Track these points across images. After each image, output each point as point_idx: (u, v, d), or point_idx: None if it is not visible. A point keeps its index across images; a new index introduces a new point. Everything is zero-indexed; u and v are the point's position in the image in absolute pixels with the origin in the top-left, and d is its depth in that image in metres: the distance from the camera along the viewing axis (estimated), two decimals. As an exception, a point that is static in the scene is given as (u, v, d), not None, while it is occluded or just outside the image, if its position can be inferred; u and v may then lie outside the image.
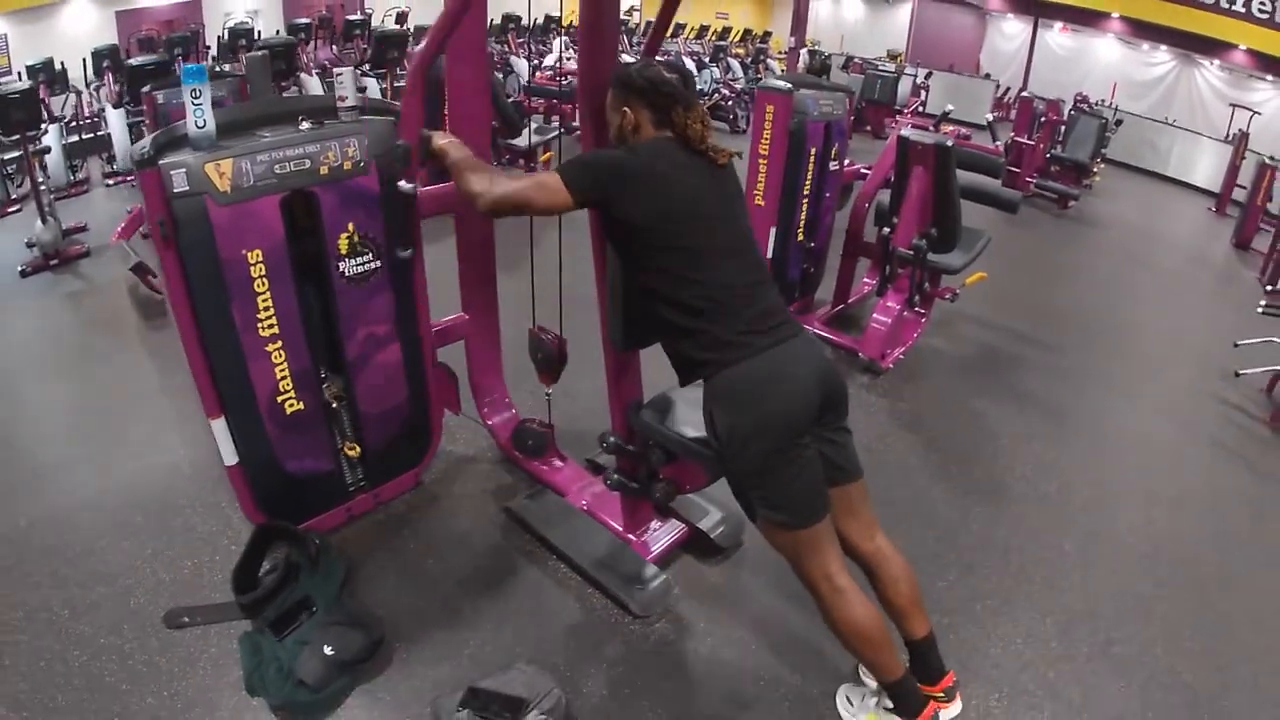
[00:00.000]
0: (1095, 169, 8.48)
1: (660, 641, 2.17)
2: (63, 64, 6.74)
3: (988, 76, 13.94)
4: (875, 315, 3.85)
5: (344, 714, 1.92)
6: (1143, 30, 12.94)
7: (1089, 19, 13.52)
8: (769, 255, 3.86)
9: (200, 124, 1.86)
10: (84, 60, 7.19)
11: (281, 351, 2.11)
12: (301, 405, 2.22)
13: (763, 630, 2.23)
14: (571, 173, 1.68)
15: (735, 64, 12.04)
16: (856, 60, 12.04)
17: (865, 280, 4.57)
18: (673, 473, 2.12)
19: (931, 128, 4.44)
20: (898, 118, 5.65)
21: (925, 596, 2.31)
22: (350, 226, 2.11)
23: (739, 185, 1.86)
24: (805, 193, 3.88)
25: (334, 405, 2.33)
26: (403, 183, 2.07)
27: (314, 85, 7.83)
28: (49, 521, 2.54)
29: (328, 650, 1.95)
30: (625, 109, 1.77)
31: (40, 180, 4.89)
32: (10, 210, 5.79)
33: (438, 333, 2.56)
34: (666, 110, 1.74)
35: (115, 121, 6.04)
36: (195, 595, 2.24)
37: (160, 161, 1.81)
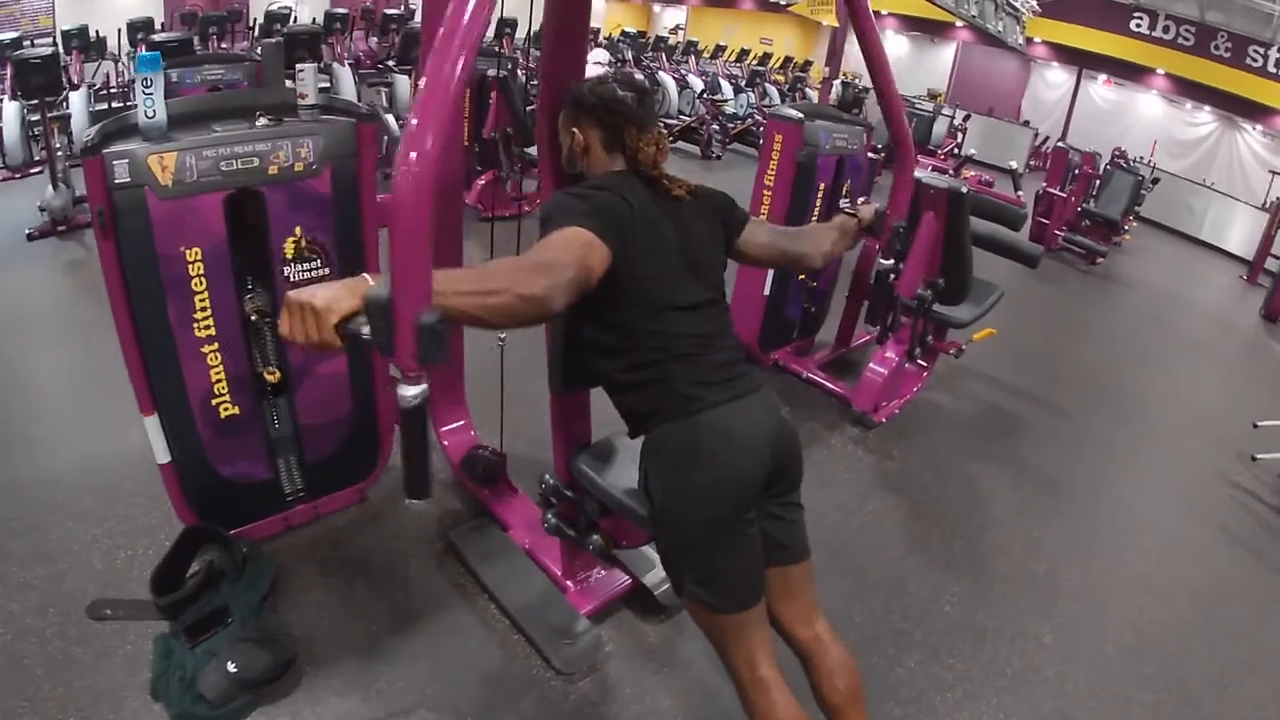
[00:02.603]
0: (1126, 227, 8.28)
1: (580, 701, 2.03)
2: (98, 32, 6.78)
3: (1026, 124, 13.74)
4: (871, 365, 3.68)
5: (242, 735, 1.83)
6: (1187, 89, 12.76)
7: (1134, 74, 13.33)
8: (766, 292, 3.73)
9: (150, 114, 1.80)
10: (118, 30, 7.22)
11: (218, 354, 2.03)
12: (237, 410, 2.14)
13: (692, 703, 2.07)
14: (594, 221, 1.40)
15: (773, 90, 11.95)
16: (895, 97, 11.91)
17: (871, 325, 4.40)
18: (610, 526, 1.97)
19: (951, 171, 4.28)
20: (921, 158, 5.52)
21: (881, 681, 2.18)
22: (298, 230, 2.02)
23: (710, 219, 1.66)
24: (810, 229, 3.75)
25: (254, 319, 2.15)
26: (406, 389, 1.22)
27: (345, 77, 7.81)
28: (4, 491, 2.54)
29: (231, 667, 1.88)
30: (575, 129, 1.63)
31: (57, 146, 4.88)
32: (33, 171, 5.82)
33: (392, 346, 2.44)
34: (618, 130, 1.58)
35: (140, 94, 6.04)
36: (123, 587, 2.20)
37: (105, 150, 1.75)
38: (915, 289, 3.50)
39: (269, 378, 2.21)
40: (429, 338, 1.09)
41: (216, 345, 2.01)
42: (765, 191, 3.63)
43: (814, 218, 3.71)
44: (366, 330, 1.09)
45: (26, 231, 4.57)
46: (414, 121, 1.12)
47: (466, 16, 1.17)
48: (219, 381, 2.06)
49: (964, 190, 3.35)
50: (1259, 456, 3.90)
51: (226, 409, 2.11)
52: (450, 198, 2.32)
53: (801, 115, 3.50)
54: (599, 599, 2.26)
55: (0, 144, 5.66)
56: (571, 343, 1.74)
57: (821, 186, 3.66)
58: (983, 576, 2.77)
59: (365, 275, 1.13)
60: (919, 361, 3.96)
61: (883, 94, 2.50)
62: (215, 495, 2.24)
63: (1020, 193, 3.97)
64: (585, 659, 2.10)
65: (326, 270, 2.10)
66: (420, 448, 1.32)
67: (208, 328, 1.97)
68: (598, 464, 1.85)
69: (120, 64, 7.34)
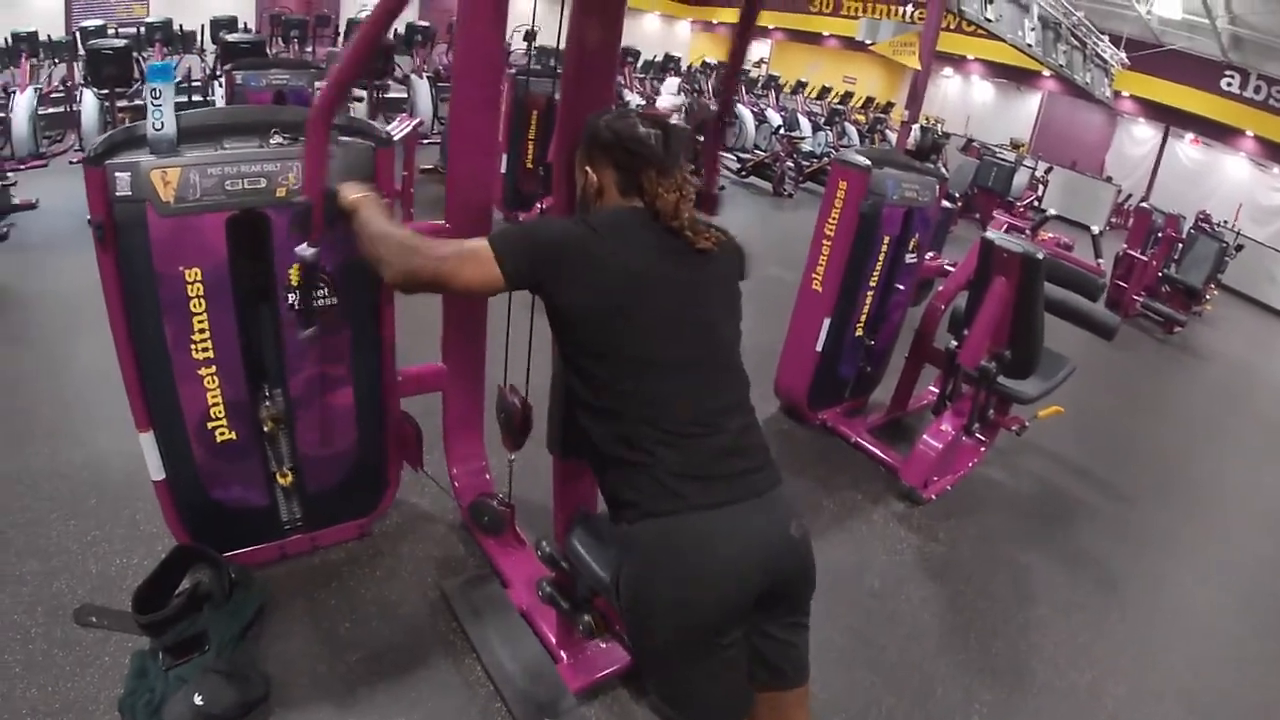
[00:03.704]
0: (1208, 296, 7.79)
1: (553, 792, 1.87)
2: (182, 26, 6.96)
3: (1109, 180, 13.20)
4: (925, 437, 3.42)
5: (197, 772, 1.78)
6: (1276, 153, 12.08)
7: (1222, 134, 12.68)
8: (818, 348, 3.53)
9: (158, 126, 1.73)
10: (201, 26, 7.40)
11: (215, 378, 1.95)
12: (234, 435, 2.06)
13: None
14: (507, 246, 1.34)
15: (852, 130, 11.74)
16: (975, 144, 11.56)
17: (931, 388, 4.12)
18: (605, 606, 1.79)
19: (1027, 232, 4.01)
20: (998, 214, 5.26)
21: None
22: (305, 256, 1.90)
23: (727, 275, 1.48)
24: (871, 284, 3.54)
25: (268, 428, 2.12)
26: (300, 248, 1.78)
27: (422, 90, 7.89)
28: (16, 481, 2.59)
29: (198, 700, 1.85)
30: (588, 169, 1.45)
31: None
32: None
33: (405, 381, 2.33)
34: (635, 173, 1.40)
35: (149, 105, 6.20)
36: (113, 595, 2.19)
37: (108, 161, 1.69)
38: (979, 359, 3.25)
39: (281, 480, 2.20)
40: (297, 214, 1.74)
41: (214, 369, 1.92)
42: (825, 241, 3.44)
43: (876, 274, 3.50)
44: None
45: (89, 217, 4.65)
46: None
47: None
48: (215, 405, 1.98)
49: (1039, 256, 3.09)
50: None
51: (223, 434, 2.03)
52: (476, 229, 2.18)
53: (869, 162, 3.30)
54: (592, 675, 2.07)
55: (79, 129, 5.88)
56: (569, 403, 1.56)
57: (886, 239, 3.45)
58: (1019, 684, 2.50)
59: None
60: (977, 436, 3.68)
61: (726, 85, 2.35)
62: (209, 517, 2.17)
63: (1100, 260, 3.66)
64: (566, 742, 1.92)
65: (334, 300, 2.00)
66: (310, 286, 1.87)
67: (205, 350, 1.88)
68: (593, 541, 1.66)
69: (203, 59, 7.51)
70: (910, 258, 3.67)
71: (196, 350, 1.88)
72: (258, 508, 2.22)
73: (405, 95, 8.03)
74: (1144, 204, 8.32)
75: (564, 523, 1.87)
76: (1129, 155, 14.28)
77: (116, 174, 1.68)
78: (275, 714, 1.93)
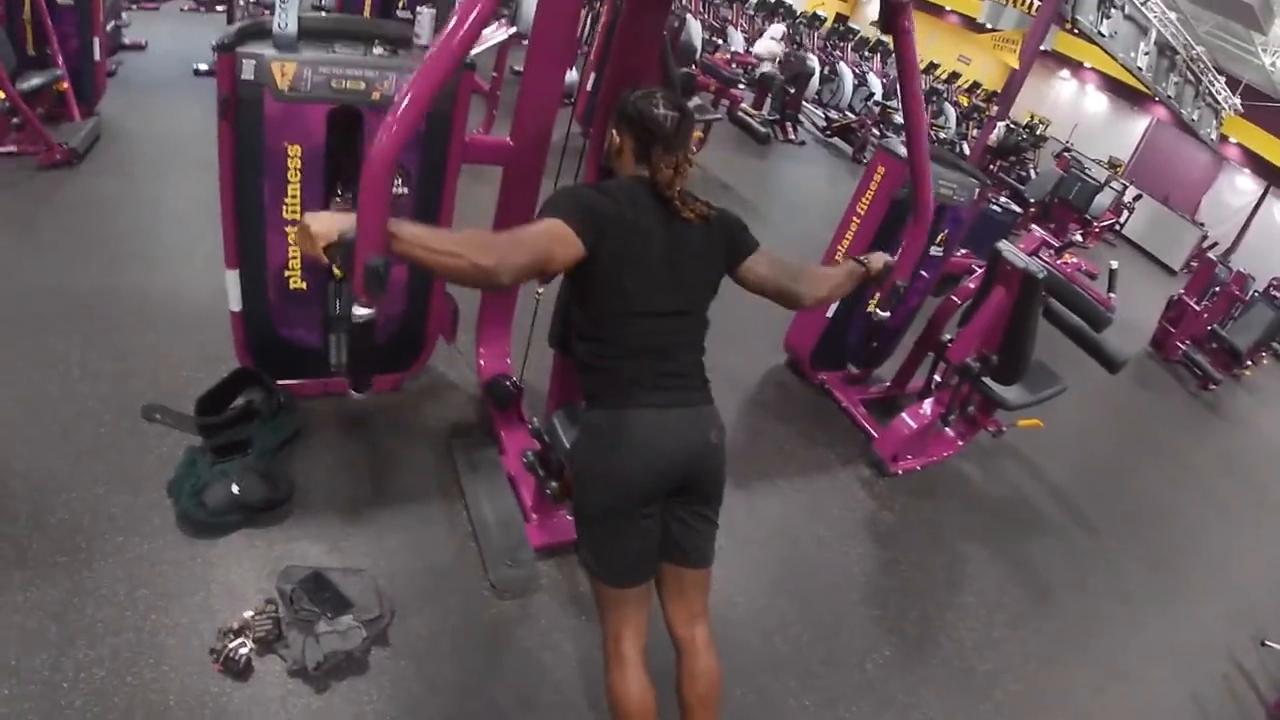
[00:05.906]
0: (1251, 361, 7.72)
1: (498, 619, 2.29)
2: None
3: (1199, 224, 12.76)
4: (903, 415, 3.69)
5: (222, 542, 2.23)
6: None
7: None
8: (829, 315, 3.82)
9: (283, 25, 2.09)
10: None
11: (298, 235, 2.34)
12: (304, 285, 2.48)
13: (593, 656, 2.17)
14: (578, 219, 1.57)
15: (951, 111, 11.46)
16: (1067, 154, 11.35)
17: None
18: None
19: (1053, 253, 4.18)
20: (1031, 226, 5.25)
21: (770, 708, 2.32)
22: (387, 151, 2.28)
23: (709, 241, 1.77)
24: (891, 266, 3.77)
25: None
26: (357, 308, 1.59)
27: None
28: (105, 295, 2.98)
29: (235, 489, 2.26)
30: (614, 131, 1.79)
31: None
32: (218, 7, 6.26)
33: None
34: (647, 146, 1.71)
35: (278, 8, 6.50)
36: (176, 401, 2.57)
37: (238, 49, 2.06)
38: (965, 356, 3.51)
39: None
40: (372, 277, 1.42)
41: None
42: (854, 219, 3.69)
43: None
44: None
45: (195, 67, 4.95)
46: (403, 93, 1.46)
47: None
48: (294, 258, 2.40)
49: (1040, 275, 3.30)
50: (1270, 643, 3.50)
51: (295, 282, 2.46)
52: (535, 150, 2.52)
53: (909, 154, 3.51)
54: (552, 538, 2.50)
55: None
56: (569, 313, 1.92)
57: (914, 229, 3.67)
58: (920, 652, 2.74)
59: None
60: (957, 429, 3.94)
61: (912, 144, 2.62)
62: (271, 349, 2.60)
63: (1113, 294, 3.78)
64: (519, 584, 2.36)
65: (405, 190, 2.39)
66: (364, 353, 1.74)
67: (294, 212, 2.29)
68: (567, 422, 2.08)
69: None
70: (936, 250, 3.89)
71: (287, 210, 2.28)
72: (313, 348, 2.65)
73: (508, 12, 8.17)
74: (1211, 256, 8.21)
75: (554, 407, 2.28)
76: (1226, 203, 13.76)
77: (244, 60, 2.06)
78: (294, 514, 2.36)
